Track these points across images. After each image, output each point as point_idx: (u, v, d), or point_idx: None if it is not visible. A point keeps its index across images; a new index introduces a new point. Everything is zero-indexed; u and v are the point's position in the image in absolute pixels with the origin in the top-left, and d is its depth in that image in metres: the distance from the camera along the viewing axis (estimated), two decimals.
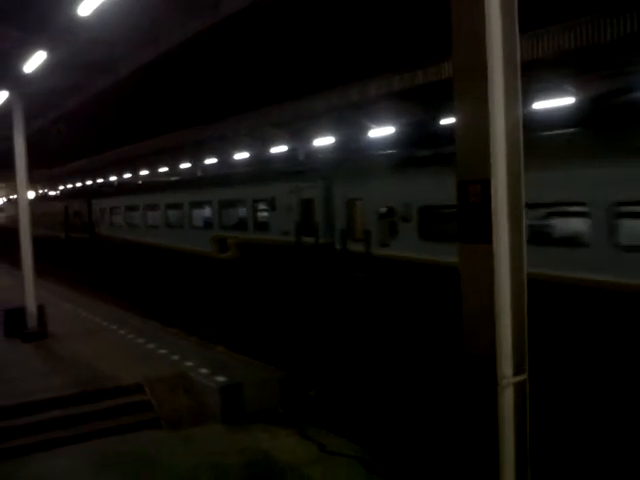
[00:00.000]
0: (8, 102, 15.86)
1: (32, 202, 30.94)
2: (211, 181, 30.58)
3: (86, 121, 35.76)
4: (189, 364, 12.32)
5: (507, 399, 4.90)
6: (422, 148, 17.65)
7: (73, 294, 24.19)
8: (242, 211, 22.11)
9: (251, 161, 46.51)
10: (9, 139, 15.78)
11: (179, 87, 33.35)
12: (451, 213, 8.83)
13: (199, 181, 36.15)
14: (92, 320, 17.64)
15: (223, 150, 47.85)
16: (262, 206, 20.60)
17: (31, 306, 15.43)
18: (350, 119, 34.42)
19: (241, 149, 46.08)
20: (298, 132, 38.95)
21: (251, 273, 20.57)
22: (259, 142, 43.42)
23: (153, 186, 40.54)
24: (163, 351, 13.48)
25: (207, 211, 24.61)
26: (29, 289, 15.52)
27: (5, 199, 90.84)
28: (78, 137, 42.28)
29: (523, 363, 5.01)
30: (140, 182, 61.12)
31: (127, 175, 68.60)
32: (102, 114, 35.95)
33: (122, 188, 50.17)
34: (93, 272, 33.95)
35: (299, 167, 22.79)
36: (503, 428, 4.88)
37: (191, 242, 25.00)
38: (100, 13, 10.82)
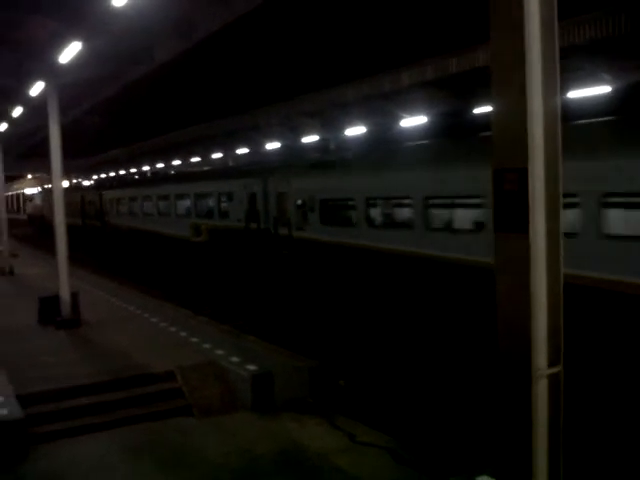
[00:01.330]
0: (44, 92, 16.05)
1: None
2: (191, 177, 38.32)
3: (117, 112, 36.14)
4: (220, 352, 12.40)
5: (541, 390, 4.85)
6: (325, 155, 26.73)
7: (99, 280, 24.65)
8: (211, 202, 27.48)
9: (221, 160, 56.29)
10: (42, 129, 16.00)
11: (199, 83, 33.57)
12: (339, 205, 17.26)
13: (183, 176, 43.88)
14: (123, 307, 17.88)
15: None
16: (224, 198, 25.88)
17: (65, 294, 15.63)
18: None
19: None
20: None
21: (217, 252, 25.88)
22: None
23: (149, 180, 48.96)
24: (194, 339, 13.59)
25: (187, 202, 30.06)
26: (63, 277, 15.73)
27: (39, 188, 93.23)
28: (108, 127, 42.83)
29: (558, 355, 4.94)
30: (138, 177, 70.18)
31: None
32: (128, 106, 36.43)
33: (125, 181, 59.66)
34: (106, 257, 37.95)
35: (249, 167, 29.98)
36: (537, 420, 4.83)
37: (176, 228, 30.27)
38: (134, 3, 10.90)
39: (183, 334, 14.12)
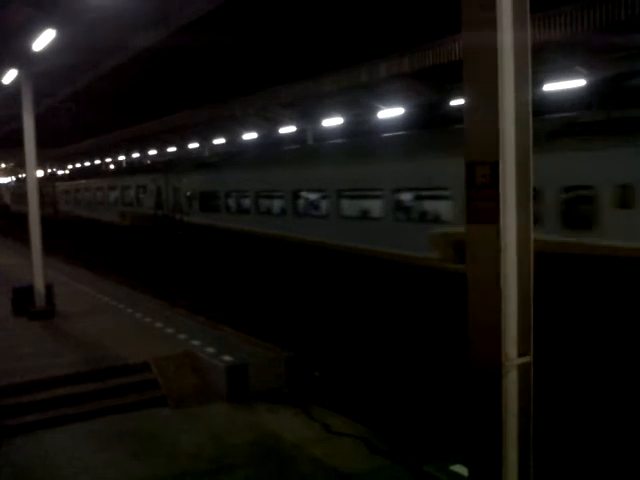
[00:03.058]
0: (17, 80, 15.83)
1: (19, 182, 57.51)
2: (120, 171, 48.70)
3: (87, 102, 36.03)
4: (196, 343, 12.40)
5: (511, 381, 4.91)
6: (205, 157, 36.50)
7: (73, 269, 24.63)
8: (132, 193, 33.64)
9: (141, 158, 67.29)
10: (17, 118, 15.82)
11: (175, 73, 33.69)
12: (211, 196, 24.38)
13: (115, 171, 54.21)
14: (98, 298, 17.79)
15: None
16: (141, 190, 32.20)
17: (39, 285, 15.52)
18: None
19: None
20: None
21: (136, 234, 32.28)
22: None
23: (90, 174, 57.70)
24: (170, 330, 13.56)
25: (117, 193, 36.43)
26: (37, 268, 15.60)
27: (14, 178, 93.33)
28: (85, 116, 42.86)
29: (528, 345, 5.02)
30: (83, 170, 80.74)
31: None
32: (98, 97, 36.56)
33: (73, 174, 70.65)
34: (62, 243, 41.77)
35: (156, 166, 37.63)
36: (507, 409, 4.90)
37: (109, 215, 36.84)
38: None
39: (159, 325, 14.09)
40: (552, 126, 12.73)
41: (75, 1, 11.35)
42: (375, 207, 16.29)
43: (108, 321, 14.77)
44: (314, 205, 18.91)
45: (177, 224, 27.15)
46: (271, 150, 33.27)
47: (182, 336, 13.02)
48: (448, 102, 27.01)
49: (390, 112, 29.88)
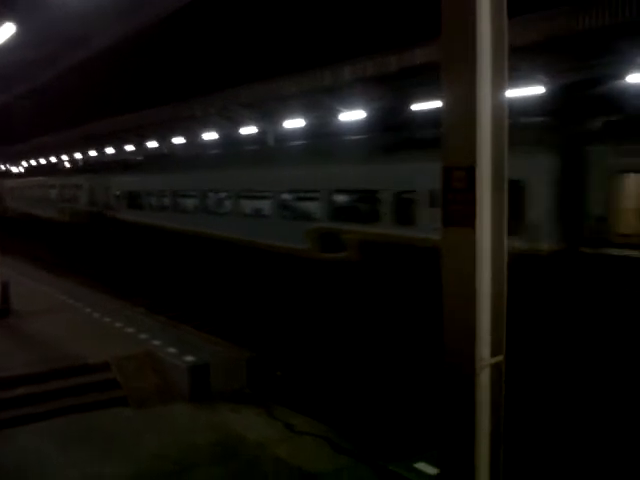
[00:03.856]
0: None
1: None
2: (60, 170, 53.93)
3: (48, 98, 35.61)
4: (157, 343, 12.31)
5: (484, 380, 5.03)
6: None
7: (27, 267, 24.16)
8: (71, 191, 37.29)
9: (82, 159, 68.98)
10: None
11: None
12: (136, 195, 28.26)
13: (57, 169, 59.16)
14: (55, 297, 17.50)
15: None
16: (77, 189, 35.94)
17: None
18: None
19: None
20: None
21: (75, 229, 35.58)
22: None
23: (34, 171, 64.03)
24: (130, 330, 13.43)
25: (56, 191, 40.28)
26: None
27: None
28: (43, 113, 42.71)
29: (500, 345, 5.15)
30: (30, 169, 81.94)
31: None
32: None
33: (21, 172, 75.97)
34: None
35: (91, 166, 44.41)
36: (479, 409, 5.01)
37: (50, 212, 40.29)
38: None
39: (118, 324, 13.93)
40: (391, 141, 16.47)
41: None
42: (265, 207, 19.49)
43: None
44: (219, 204, 22.23)
45: (108, 220, 30.52)
46: (188, 155, 39.26)
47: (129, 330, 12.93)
48: (409, 106, 27.31)
49: (351, 115, 30.16)
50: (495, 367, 5.09)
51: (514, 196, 6.87)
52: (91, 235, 32.39)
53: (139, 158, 42.79)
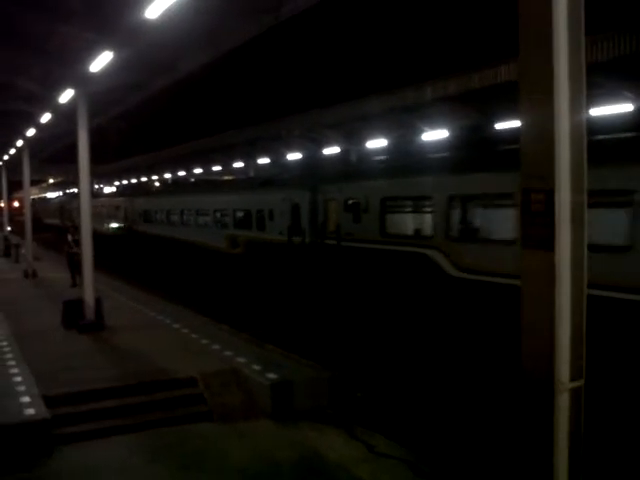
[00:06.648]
0: (73, 100, 16.35)
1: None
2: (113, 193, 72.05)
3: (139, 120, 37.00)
4: (241, 360, 12.55)
5: (563, 405, 4.94)
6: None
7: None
8: (112, 210, 47.01)
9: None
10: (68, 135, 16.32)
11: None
12: (147, 213, 39.66)
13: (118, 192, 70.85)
14: (144, 313, 18.18)
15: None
16: (116, 208, 45.63)
17: (89, 298, 15.87)
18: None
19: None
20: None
21: (115, 239, 44.26)
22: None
23: (104, 193, 75.81)
24: (216, 347, 13.76)
25: (105, 209, 48.23)
26: (88, 281, 15.97)
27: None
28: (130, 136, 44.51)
29: (580, 369, 5.04)
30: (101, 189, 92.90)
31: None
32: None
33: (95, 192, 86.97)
34: None
35: (126, 190, 67.78)
36: (558, 434, 4.92)
37: (100, 227, 43.41)
38: (165, 16, 11.13)
39: (205, 341, 14.30)
40: (262, 179, 28.93)
41: (132, 24, 11.68)
42: (209, 220, 29.51)
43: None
44: (189, 219, 32.22)
45: (134, 231, 40.37)
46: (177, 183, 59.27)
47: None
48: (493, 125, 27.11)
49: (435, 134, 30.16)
50: (575, 392, 4.98)
51: (295, 213, 21.04)
52: (126, 243, 41.80)
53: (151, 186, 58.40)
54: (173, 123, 40.03)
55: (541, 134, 4.86)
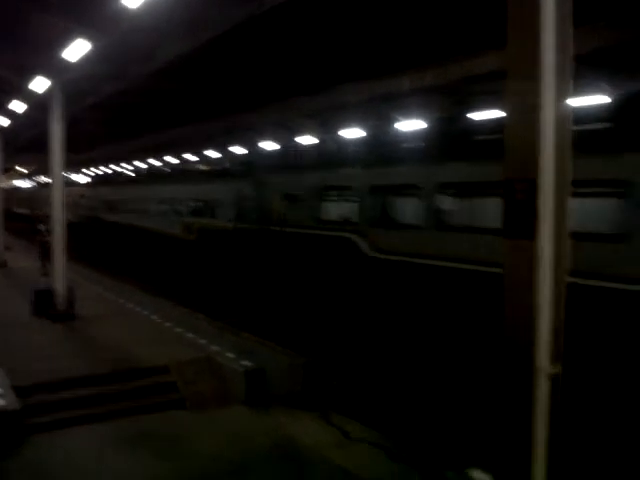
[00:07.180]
0: (49, 89, 16.13)
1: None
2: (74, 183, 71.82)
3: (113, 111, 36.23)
4: (215, 348, 12.58)
5: (542, 389, 5.07)
6: None
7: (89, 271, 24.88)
8: (79, 199, 49.85)
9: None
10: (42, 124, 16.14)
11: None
12: (110, 202, 44.91)
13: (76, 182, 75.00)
14: (115, 301, 18.17)
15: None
16: (84, 197, 50.71)
17: (60, 287, 15.73)
18: None
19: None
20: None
21: (82, 227, 45.69)
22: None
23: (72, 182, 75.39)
24: (190, 335, 13.77)
25: (72, 199, 45.13)
26: (59, 271, 15.82)
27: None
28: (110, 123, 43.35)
29: (559, 355, 5.19)
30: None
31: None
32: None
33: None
34: None
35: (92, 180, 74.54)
36: (537, 417, 5.05)
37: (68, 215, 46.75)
38: (145, 4, 11.03)
39: (178, 330, 14.29)
40: (212, 171, 44.03)
41: (111, 12, 11.58)
42: (166, 209, 32.17)
43: None
44: (149, 208, 34.99)
45: (99, 220, 44.49)
46: (138, 174, 61.55)
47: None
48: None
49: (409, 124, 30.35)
50: (553, 377, 5.13)
51: (243, 202, 24.00)
52: (91, 230, 45.29)
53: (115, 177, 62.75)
54: (148, 114, 39.20)
55: (526, 124, 4.95)
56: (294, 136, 37.55)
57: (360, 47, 19.28)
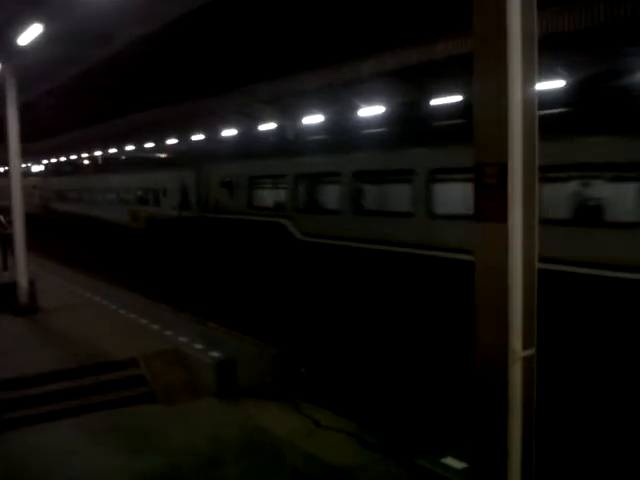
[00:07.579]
0: (1, 74, 15.68)
1: None
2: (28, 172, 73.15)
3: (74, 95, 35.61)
4: (183, 339, 12.42)
5: (516, 373, 5.07)
6: None
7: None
8: (32, 189, 48.98)
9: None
10: None
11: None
12: (61, 191, 47.13)
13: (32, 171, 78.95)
14: (80, 294, 17.80)
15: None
16: (36, 187, 50.68)
17: (23, 280, 15.42)
18: None
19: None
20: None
21: (32, 217, 41.52)
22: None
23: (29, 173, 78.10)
24: (155, 326, 13.57)
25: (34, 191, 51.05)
26: (21, 264, 15.50)
27: None
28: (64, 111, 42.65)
29: (532, 338, 5.18)
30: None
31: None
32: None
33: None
34: None
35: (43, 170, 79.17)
36: (512, 402, 5.05)
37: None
38: None
39: (144, 321, 14.08)
40: (163, 160, 47.84)
41: None
42: (114, 198, 33.49)
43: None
44: (97, 197, 36.30)
45: (50, 209, 45.91)
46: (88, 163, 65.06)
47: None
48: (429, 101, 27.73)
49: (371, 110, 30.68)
50: (527, 360, 5.12)
51: (184, 190, 25.23)
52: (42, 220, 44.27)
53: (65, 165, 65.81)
54: (105, 99, 38.63)
55: (494, 107, 4.92)
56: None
57: None
